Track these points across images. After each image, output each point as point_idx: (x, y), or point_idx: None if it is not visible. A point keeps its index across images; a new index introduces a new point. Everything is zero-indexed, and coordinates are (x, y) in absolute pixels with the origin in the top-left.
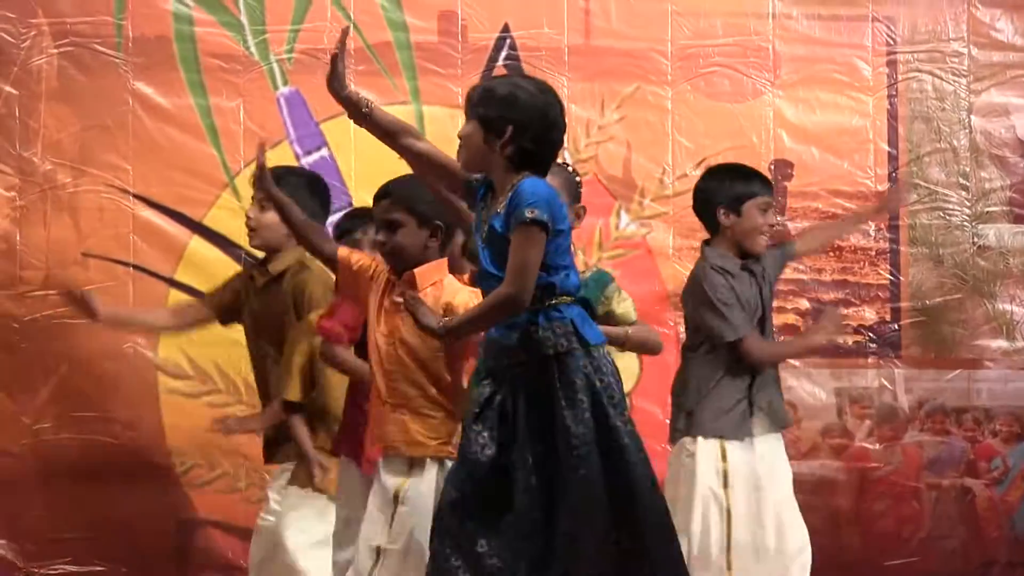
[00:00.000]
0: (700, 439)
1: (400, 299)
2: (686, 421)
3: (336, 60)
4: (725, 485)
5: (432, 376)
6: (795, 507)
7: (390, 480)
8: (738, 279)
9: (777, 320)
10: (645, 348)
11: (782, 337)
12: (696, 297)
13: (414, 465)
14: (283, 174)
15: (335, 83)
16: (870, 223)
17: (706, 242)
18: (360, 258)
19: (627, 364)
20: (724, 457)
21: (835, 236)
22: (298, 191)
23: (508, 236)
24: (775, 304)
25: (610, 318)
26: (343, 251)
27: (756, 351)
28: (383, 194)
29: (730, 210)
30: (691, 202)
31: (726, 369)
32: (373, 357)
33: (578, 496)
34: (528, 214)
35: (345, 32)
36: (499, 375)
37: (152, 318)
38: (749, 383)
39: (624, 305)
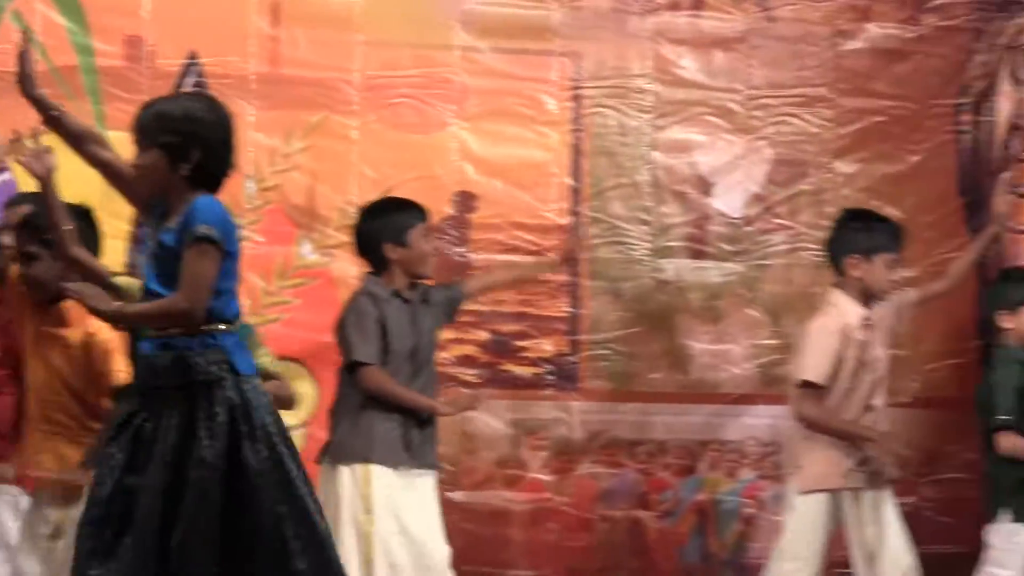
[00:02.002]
0: (344, 464)
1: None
2: (336, 444)
3: (23, 61)
4: (367, 511)
5: (87, 404)
6: (440, 536)
7: (50, 512)
8: (388, 306)
9: (456, 351)
10: (278, 403)
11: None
12: (340, 321)
13: (72, 496)
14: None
15: (25, 83)
16: (550, 272)
17: (371, 272)
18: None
19: (303, 390)
20: (368, 482)
21: (519, 277)
22: None
23: (179, 251)
24: (455, 335)
25: None
26: (12, 270)
27: (369, 381)
28: (23, 225)
29: (396, 244)
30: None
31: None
32: (28, 383)
33: (190, 525)
34: (203, 230)
35: (25, 35)
36: (145, 395)
37: None
38: (401, 410)
39: (263, 360)
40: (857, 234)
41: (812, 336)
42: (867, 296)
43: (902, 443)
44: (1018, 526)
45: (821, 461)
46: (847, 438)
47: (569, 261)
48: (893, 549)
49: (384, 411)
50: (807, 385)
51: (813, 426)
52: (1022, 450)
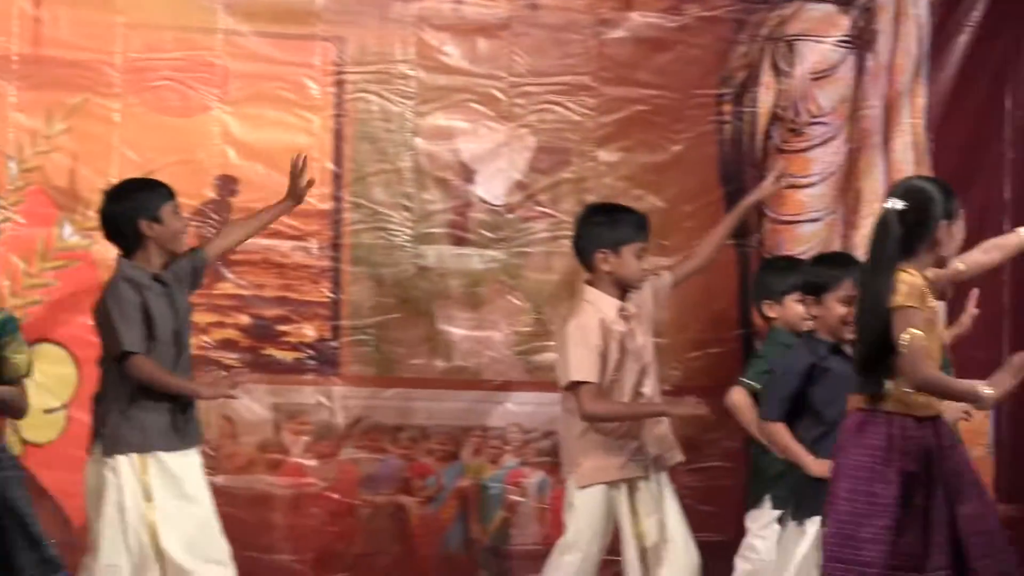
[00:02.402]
0: (121, 454)
1: None
2: (109, 436)
3: None
4: (148, 499)
5: None
6: (216, 524)
7: None
8: (149, 290)
9: (217, 335)
10: (8, 410)
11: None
12: (101, 309)
13: None
14: None
15: None
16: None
17: (123, 255)
18: None
19: (64, 372)
20: (146, 470)
21: (255, 226)
22: None
23: None
24: (216, 319)
25: (1, 363)
26: None
27: (138, 371)
28: None
29: (152, 221)
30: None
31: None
32: None
33: None
34: None
35: None
36: None
37: None
38: (168, 396)
39: (19, 357)
40: (601, 228)
41: (571, 336)
42: (621, 287)
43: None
44: (777, 513)
45: (597, 455)
46: (638, 419)
47: (299, 199)
48: (676, 541)
49: (154, 399)
50: (580, 384)
51: (601, 420)
52: (744, 411)
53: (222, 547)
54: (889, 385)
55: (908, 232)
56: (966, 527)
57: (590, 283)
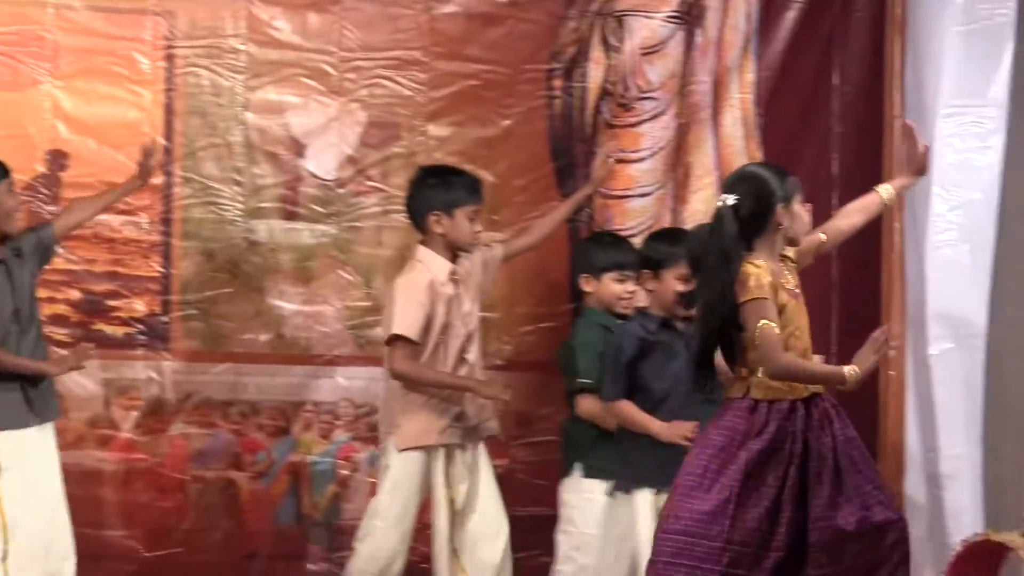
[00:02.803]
0: None
1: None
2: None
3: None
4: None
5: None
6: (63, 508)
7: None
8: None
9: (48, 310)
10: None
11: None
12: None
13: None
14: None
15: None
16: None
17: None
18: None
19: None
20: None
21: (103, 203)
22: None
23: None
24: (47, 294)
25: None
26: None
27: None
28: None
29: None
30: None
31: None
32: None
33: None
34: None
35: None
36: None
37: None
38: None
39: None
40: (435, 190)
41: (400, 292)
42: (453, 250)
43: (504, 390)
44: (590, 481)
45: (417, 419)
46: (445, 388)
47: (147, 178)
48: (485, 511)
49: (1, 378)
50: (399, 340)
51: (408, 381)
52: (598, 414)
53: (65, 534)
54: (759, 374)
55: (745, 224)
56: (813, 513)
57: (423, 243)
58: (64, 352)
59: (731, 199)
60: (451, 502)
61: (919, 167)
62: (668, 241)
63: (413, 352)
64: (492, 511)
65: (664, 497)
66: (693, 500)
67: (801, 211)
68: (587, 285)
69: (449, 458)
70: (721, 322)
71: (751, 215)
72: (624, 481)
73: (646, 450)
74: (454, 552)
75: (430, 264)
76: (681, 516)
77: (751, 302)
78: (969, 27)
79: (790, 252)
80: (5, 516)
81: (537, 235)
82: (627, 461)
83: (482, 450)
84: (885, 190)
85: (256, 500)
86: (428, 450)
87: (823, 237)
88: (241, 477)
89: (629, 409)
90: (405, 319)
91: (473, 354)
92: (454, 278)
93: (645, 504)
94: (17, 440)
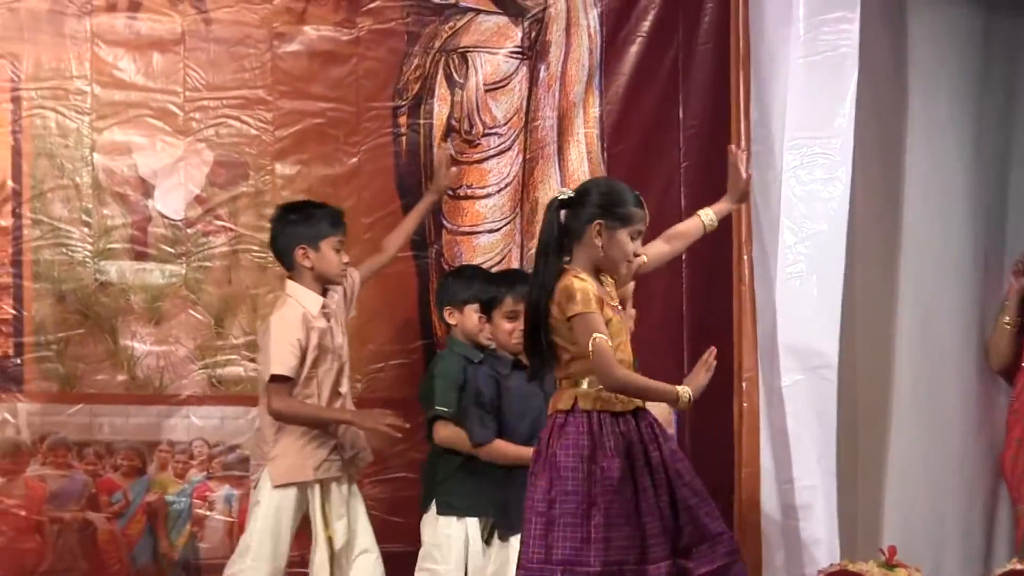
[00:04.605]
0: None
1: None
2: None
3: None
4: None
5: None
6: None
7: None
8: None
9: None
10: None
11: None
12: None
13: None
14: None
15: None
16: None
17: None
18: None
19: None
20: None
21: None
22: None
23: None
24: None
25: None
26: None
27: None
28: None
29: None
30: None
31: None
32: None
33: None
34: None
35: None
36: None
37: None
38: None
39: None
40: (298, 226)
41: (274, 329)
42: (322, 283)
43: (382, 417)
44: (447, 519)
45: (292, 454)
46: (323, 424)
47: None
48: (364, 543)
49: None
50: (276, 379)
51: (287, 418)
52: (457, 439)
53: None
54: (583, 385)
55: (566, 228)
56: (683, 515)
57: (292, 278)
58: None
59: (567, 193)
60: (329, 538)
61: (741, 194)
62: (495, 282)
63: (289, 389)
64: (370, 544)
65: None
66: (562, 526)
67: (626, 241)
68: (451, 318)
69: (325, 493)
70: (535, 325)
71: (574, 219)
72: (503, 528)
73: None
74: None
75: (301, 298)
76: (553, 545)
77: (580, 316)
78: (812, 59)
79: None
80: None
81: (390, 251)
82: (504, 506)
83: (354, 483)
84: (706, 215)
85: (113, 541)
86: (303, 486)
87: (644, 259)
88: (98, 518)
89: (503, 447)
90: (280, 358)
91: (345, 386)
92: (325, 312)
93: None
94: None
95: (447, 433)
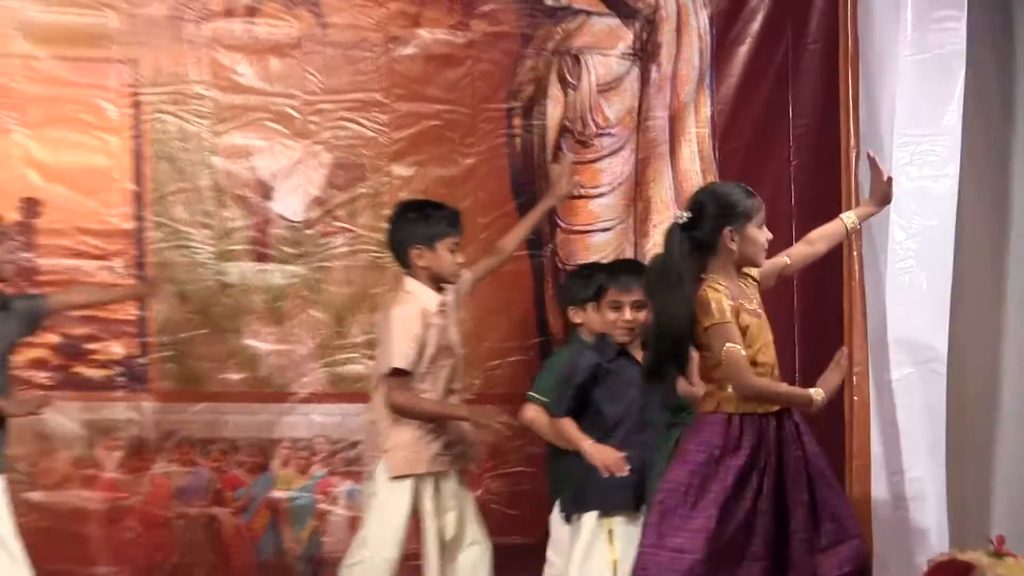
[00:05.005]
0: None
1: None
2: None
3: None
4: None
5: None
6: (13, 549)
7: None
8: None
9: (27, 355)
10: None
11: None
12: None
13: None
14: None
15: None
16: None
17: None
18: None
19: None
20: None
21: (103, 299)
22: None
23: None
24: (27, 338)
25: None
26: None
27: None
28: None
29: None
30: None
31: None
32: None
33: None
34: None
35: None
36: None
37: None
38: None
39: None
40: (415, 224)
41: (394, 324)
42: (437, 282)
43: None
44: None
45: (407, 447)
46: (440, 419)
47: (153, 292)
48: (472, 535)
49: None
50: (396, 372)
51: (406, 412)
52: (536, 423)
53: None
54: (728, 389)
55: (695, 243)
56: (794, 525)
57: (409, 275)
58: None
59: (684, 216)
60: (440, 530)
61: (883, 196)
62: (601, 271)
63: (408, 383)
64: (479, 536)
65: (612, 519)
66: (678, 516)
67: (757, 234)
68: (576, 317)
69: (436, 486)
70: (675, 342)
71: (703, 233)
72: (569, 507)
73: (591, 473)
74: None
75: (420, 295)
76: (666, 532)
77: (714, 327)
78: (921, 57)
79: (753, 272)
80: None
81: (505, 252)
82: (574, 485)
83: (463, 478)
84: (849, 218)
85: (238, 535)
86: (417, 478)
87: (787, 260)
88: (223, 513)
89: (567, 426)
90: (401, 351)
91: (458, 383)
92: (443, 309)
93: (588, 527)
94: None
95: (530, 416)
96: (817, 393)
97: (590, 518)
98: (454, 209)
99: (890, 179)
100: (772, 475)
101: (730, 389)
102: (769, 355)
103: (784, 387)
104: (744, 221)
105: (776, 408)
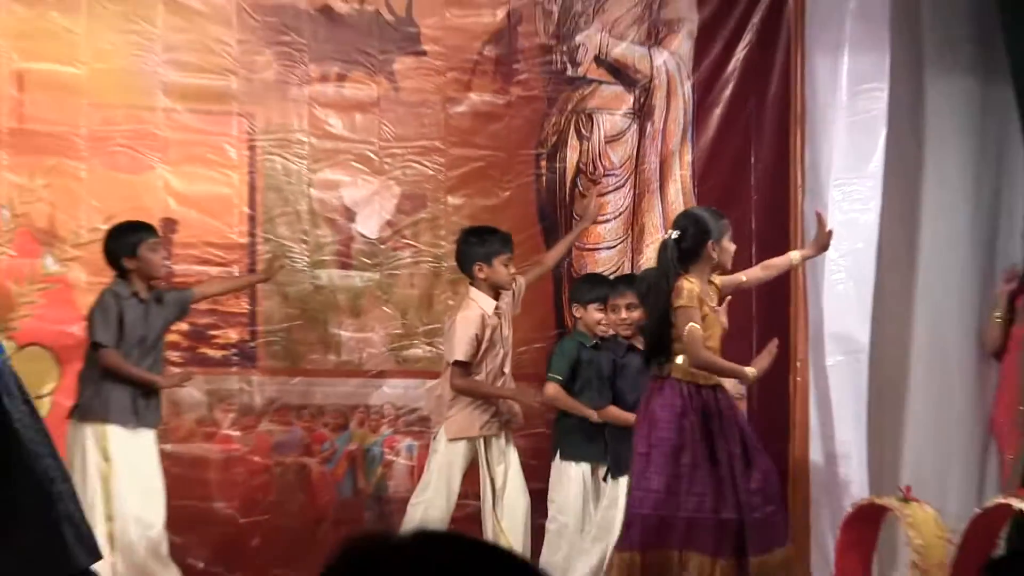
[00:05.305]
0: (87, 423)
1: None
2: (82, 406)
3: None
4: (106, 459)
5: None
6: (157, 492)
7: None
8: (127, 303)
9: (168, 338)
10: None
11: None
12: (91, 309)
13: None
14: None
15: None
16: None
17: (117, 275)
18: None
19: (48, 368)
20: (106, 438)
21: (233, 287)
22: None
23: None
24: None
25: None
26: None
27: (105, 360)
28: None
29: (129, 257)
30: (100, 248)
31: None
32: None
33: None
34: None
35: None
36: None
37: None
38: (131, 382)
39: None
40: (476, 247)
41: (458, 324)
42: (495, 290)
43: (534, 396)
44: (565, 463)
45: (463, 415)
46: (490, 397)
47: (271, 276)
48: (512, 486)
49: (118, 382)
50: (458, 363)
51: (465, 393)
52: (561, 398)
53: (158, 512)
54: (678, 360)
55: (683, 252)
56: (749, 484)
57: (473, 285)
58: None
59: (675, 233)
60: (492, 479)
61: (823, 245)
62: (603, 283)
63: (468, 371)
64: (520, 486)
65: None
66: (658, 465)
67: (729, 245)
68: (577, 312)
69: (487, 446)
70: (659, 320)
71: (688, 247)
72: (614, 470)
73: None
74: (496, 517)
75: (480, 302)
76: (650, 478)
77: (682, 308)
78: (853, 119)
79: (717, 280)
80: (111, 496)
81: (548, 263)
82: (615, 454)
83: (510, 438)
84: (795, 256)
85: (323, 479)
86: (471, 440)
87: (744, 279)
88: (311, 462)
89: (615, 411)
90: (462, 347)
91: (508, 367)
92: (498, 312)
93: (622, 486)
94: (124, 437)
95: (552, 393)
96: (751, 371)
97: (624, 481)
98: (506, 233)
99: (831, 232)
100: (724, 440)
101: (679, 360)
102: (715, 341)
103: (727, 363)
104: (721, 235)
105: (713, 383)
